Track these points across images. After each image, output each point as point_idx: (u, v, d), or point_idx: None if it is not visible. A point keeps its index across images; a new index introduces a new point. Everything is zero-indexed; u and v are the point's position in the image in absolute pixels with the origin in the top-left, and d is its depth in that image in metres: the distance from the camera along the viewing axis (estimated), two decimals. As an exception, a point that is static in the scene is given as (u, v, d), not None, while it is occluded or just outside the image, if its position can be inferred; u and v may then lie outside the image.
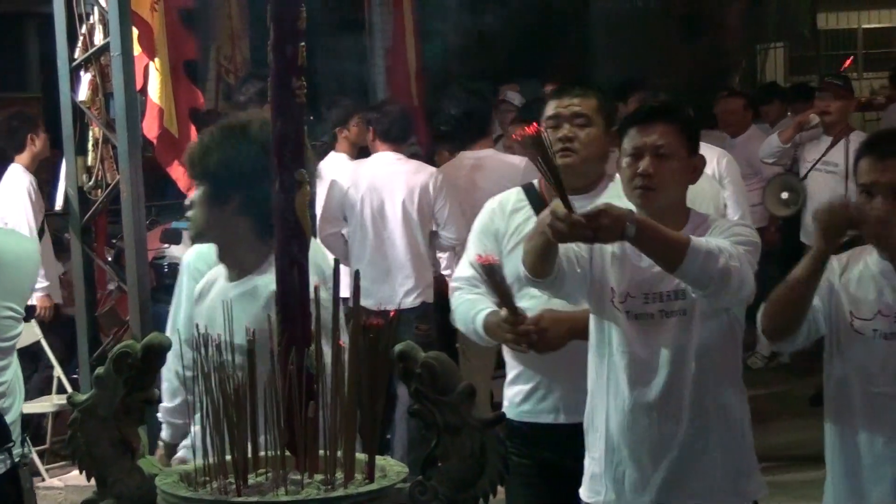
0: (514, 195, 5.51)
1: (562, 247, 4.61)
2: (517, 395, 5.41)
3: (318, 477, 3.46)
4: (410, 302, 8.79)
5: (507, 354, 5.49)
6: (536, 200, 5.39)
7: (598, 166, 5.31)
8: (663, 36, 20.27)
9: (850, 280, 4.53)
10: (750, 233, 4.68)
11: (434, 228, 8.96)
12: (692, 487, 4.72)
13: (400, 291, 8.77)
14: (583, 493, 4.93)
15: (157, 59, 8.22)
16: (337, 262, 3.76)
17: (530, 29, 18.96)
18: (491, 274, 4.94)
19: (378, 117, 9.13)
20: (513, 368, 5.46)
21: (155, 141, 8.44)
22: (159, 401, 3.61)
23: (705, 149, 9.23)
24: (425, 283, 8.91)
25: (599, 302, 4.79)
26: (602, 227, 4.33)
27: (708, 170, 9.04)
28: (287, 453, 3.48)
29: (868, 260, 4.53)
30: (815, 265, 4.38)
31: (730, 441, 4.74)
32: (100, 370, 3.57)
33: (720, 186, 8.86)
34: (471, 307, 5.32)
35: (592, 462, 4.88)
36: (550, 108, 5.24)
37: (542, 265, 4.60)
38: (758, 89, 15.33)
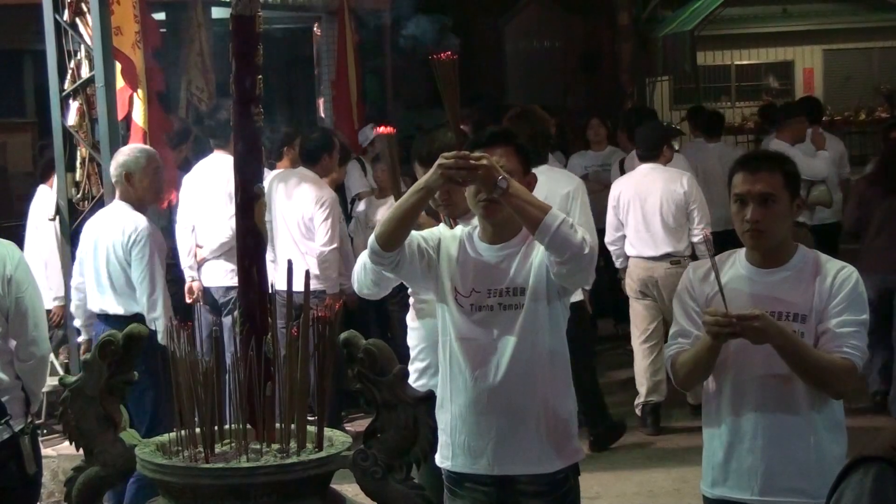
0: None
1: (412, 236, 4.59)
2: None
3: (275, 446, 3.45)
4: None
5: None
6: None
7: None
8: (566, 70, 20.36)
9: (725, 287, 4.46)
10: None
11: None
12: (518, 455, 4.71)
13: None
14: (437, 459, 4.89)
15: (139, 90, 8.19)
16: (290, 263, 3.75)
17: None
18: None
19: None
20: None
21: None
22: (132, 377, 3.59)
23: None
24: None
25: (443, 295, 4.72)
26: (481, 174, 4.35)
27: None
28: (248, 426, 3.47)
29: (738, 264, 4.49)
30: (713, 349, 4.33)
31: (550, 415, 4.70)
32: (87, 356, 3.55)
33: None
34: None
35: (442, 433, 4.84)
36: None
37: (397, 234, 4.49)
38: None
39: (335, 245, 8.73)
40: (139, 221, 6.95)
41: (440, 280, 4.70)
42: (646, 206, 9.10)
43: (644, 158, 9.35)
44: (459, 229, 4.83)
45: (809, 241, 10.58)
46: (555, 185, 8.44)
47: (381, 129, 5.38)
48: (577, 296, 8.50)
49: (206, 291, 8.80)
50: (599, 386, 9.04)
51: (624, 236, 9.25)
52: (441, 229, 4.88)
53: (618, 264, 9.41)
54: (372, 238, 4.57)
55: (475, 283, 4.66)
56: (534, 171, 8.65)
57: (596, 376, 9.06)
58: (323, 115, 14.23)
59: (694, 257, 8.90)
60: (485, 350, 4.65)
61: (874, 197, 9.37)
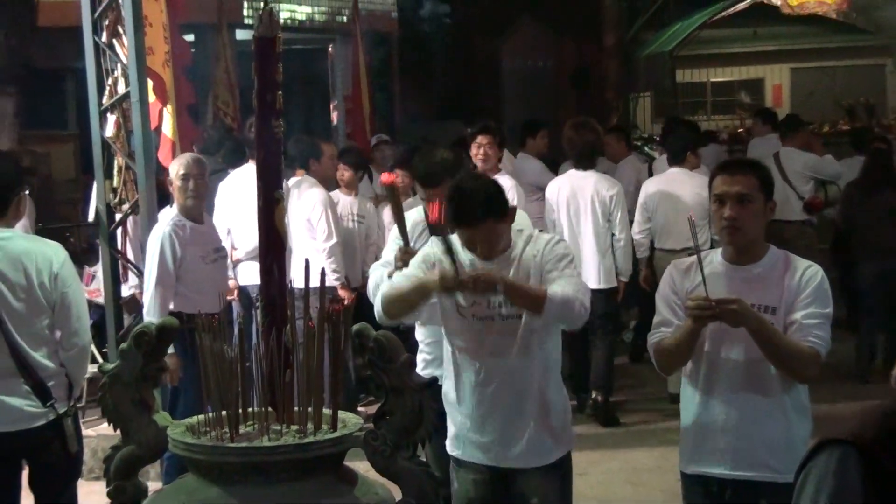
0: (417, 213, 5.57)
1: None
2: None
3: (294, 427, 3.45)
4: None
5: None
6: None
7: None
8: (557, 86, 20.36)
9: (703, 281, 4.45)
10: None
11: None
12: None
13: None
14: (448, 447, 4.90)
15: (169, 105, 8.19)
16: (307, 261, 3.76)
17: (456, 80, 19.01)
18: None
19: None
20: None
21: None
22: (165, 365, 3.58)
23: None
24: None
25: (446, 308, 4.73)
26: (479, 287, 4.44)
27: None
28: (269, 409, 3.47)
29: (715, 261, 4.50)
30: (694, 332, 4.34)
31: (548, 412, 4.73)
32: (124, 345, 3.55)
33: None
34: (380, 272, 5.29)
35: (451, 425, 4.86)
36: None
37: (401, 314, 4.66)
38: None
39: (335, 240, 8.74)
40: (157, 226, 7.07)
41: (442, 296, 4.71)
42: (674, 205, 9.40)
43: (672, 162, 9.75)
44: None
45: (814, 240, 10.77)
46: (601, 187, 8.99)
47: (385, 178, 5.35)
48: (613, 283, 9.05)
49: (241, 289, 8.83)
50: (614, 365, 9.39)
51: (649, 229, 9.63)
52: (433, 250, 4.77)
53: (639, 254, 9.70)
54: (380, 309, 4.68)
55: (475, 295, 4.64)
56: (583, 174, 8.98)
57: (613, 355, 9.40)
58: (336, 126, 14.25)
59: None
60: (487, 357, 4.67)
61: (860, 197, 10.20)
